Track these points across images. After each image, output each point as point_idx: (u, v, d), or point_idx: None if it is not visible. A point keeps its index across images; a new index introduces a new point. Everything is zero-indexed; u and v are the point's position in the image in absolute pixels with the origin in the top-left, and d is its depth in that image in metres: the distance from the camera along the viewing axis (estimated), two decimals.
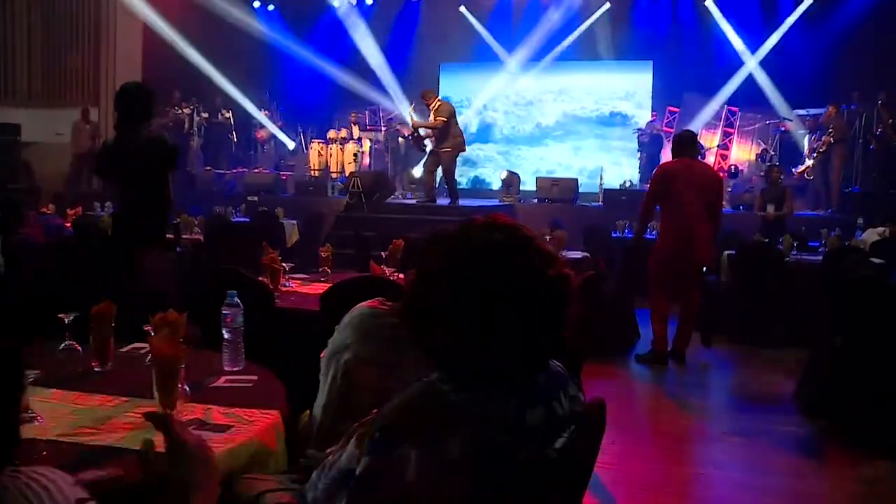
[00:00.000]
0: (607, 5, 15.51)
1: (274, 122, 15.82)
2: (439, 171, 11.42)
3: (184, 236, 8.20)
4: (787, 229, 9.59)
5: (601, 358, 6.56)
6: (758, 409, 5.49)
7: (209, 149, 15.37)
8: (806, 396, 5.25)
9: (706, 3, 14.86)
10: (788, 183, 12.90)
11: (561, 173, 15.01)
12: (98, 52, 15.60)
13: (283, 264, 4.69)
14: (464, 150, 11.20)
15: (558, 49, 15.72)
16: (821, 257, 7.51)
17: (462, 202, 11.60)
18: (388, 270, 5.15)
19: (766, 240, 8.26)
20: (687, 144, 6.56)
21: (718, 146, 14.65)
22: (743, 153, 14.85)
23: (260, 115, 15.79)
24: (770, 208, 9.87)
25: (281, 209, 11.73)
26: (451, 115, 10.81)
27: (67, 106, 15.36)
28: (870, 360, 4.54)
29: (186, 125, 14.81)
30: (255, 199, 12.02)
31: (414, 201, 11.83)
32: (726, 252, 8.02)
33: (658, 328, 6.55)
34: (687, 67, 14.69)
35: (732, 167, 14.25)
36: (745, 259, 7.52)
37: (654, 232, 7.59)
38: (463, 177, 16.92)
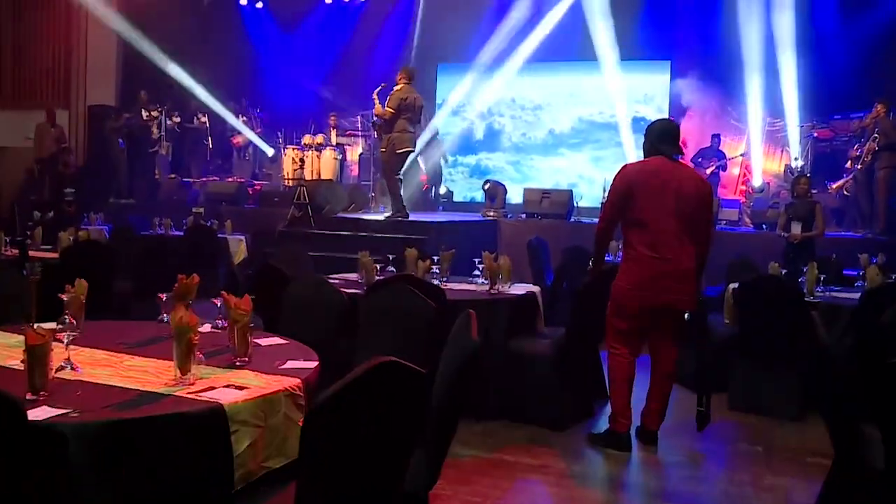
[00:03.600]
0: None
1: (253, 128, 13.91)
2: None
3: (37, 254, 6.31)
4: (816, 255, 7.38)
5: (540, 436, 4.48)
6: None
7: (182, 155, 13.55)
8: None
9: None
10: (823, 200, 10.62)
11: (584, 187, 12.88)
12: (69, 52, 13.93)
13: None
14: (406, 148, 8.96)
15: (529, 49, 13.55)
16: (858, 295, 5.31)
17: (431, 217, 9.53)
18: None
19: (785, 270, 6.01)
20: (664, 138, 4.43)
21: (743, 155, 12.35)
22: (770, 164, 12.48)
23: (237, 121, 13.86)
24: (796, 228, 7.63)
25: (230, 222, 9.88)
26: (403, 108, 8.76)
27: (36, 108, 13.71)
28: None
29: (154, 129, 12.98)
30: (201, 210, 10.14)
31: (381, 217, 9.64)
32: (732, 286, 5.85)
33: (617, 399, 4.43)
34: (708, 67, 12.42)
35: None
36: (752, 297, 5.32)
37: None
38: (478, 191, 14.84)
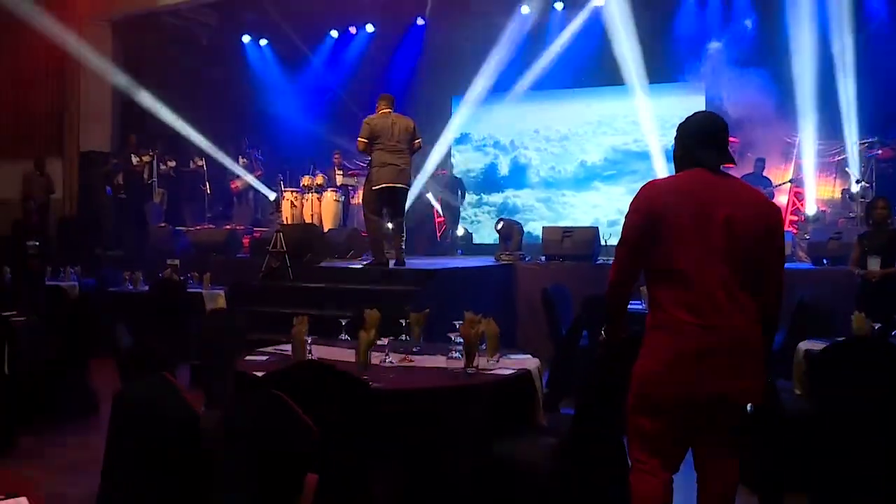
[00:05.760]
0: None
1: (253, 171, 12.63)
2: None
3: None
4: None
5: None
6: None
7: (179, 201, 12.31)
8: None
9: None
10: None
11: None
12: (63, 97, 12.86)
13: None
14: (385, 184, 7.37)
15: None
16: None
17: (433, 263, 8.01)
18: None
19: (878, 325, 4.33)
20: (704, 138, 2.86)
21: (792, 181, 10.69)
22: (825, 190, 10.77)
23: (235, 164, 12.59)
24: (874, 263, 5.98)
25: (209, 275, 8.52)
26: (375, 136, 7.27)
27: (30, 157, 12.59)
28: None
29: (146, 175, 11.77)
30: (176, 262, 8.81)
31: (359, 264, 8.13)
32: (803, 345, 4.22)
33: None
34: (747, 87, 10.83)
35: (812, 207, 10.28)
36: (840, 366, 3.68)
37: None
38: None
